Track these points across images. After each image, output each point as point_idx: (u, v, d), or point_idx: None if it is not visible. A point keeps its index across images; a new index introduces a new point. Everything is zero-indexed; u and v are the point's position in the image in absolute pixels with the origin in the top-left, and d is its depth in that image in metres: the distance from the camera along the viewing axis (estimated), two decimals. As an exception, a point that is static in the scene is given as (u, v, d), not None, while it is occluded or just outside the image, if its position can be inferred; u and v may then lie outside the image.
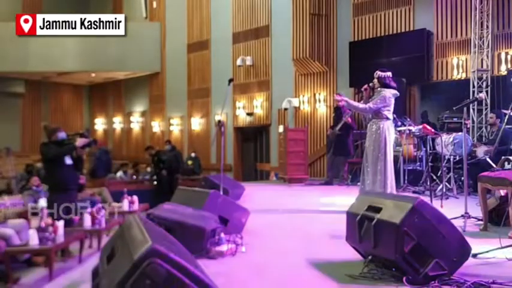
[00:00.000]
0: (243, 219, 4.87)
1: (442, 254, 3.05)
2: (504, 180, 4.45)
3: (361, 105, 6.25)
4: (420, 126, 7.85)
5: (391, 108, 6.08)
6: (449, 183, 8.32)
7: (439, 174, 8.68)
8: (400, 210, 3.07)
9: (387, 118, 6.01)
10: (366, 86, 6.37)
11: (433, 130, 7.35)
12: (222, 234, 4.02)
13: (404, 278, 3.00)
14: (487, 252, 3.75)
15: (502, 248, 3.68)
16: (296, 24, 13.57)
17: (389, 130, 6.00)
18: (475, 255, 3.74)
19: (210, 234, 3.87)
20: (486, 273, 3.18)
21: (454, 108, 5.51)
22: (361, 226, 3.37)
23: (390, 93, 6.03)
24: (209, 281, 1.72)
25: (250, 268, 3.51)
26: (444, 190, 7.91)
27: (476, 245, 3.85)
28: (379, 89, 6.08)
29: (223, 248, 3.92)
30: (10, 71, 18.14)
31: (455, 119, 10.16)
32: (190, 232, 3.71)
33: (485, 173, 4.87)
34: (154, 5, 18.67)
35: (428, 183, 8.63)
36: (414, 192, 8.66)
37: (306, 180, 11.40)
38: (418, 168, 9.44)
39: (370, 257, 3.36)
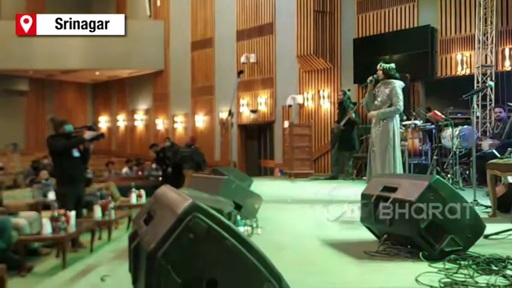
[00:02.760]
0: (256, 205, 4.96)
1: (457, 230, 3.13)
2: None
3: (391, 109, 6.16)
4: (430, 113, 7.90)
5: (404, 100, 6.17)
6: (456, 176, 8.40)
7: (444, 167, 8.76)
8: (415, 188, 3.15)
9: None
10: (370, 77, 6.46)
11: (442, 116, 7.41)
12: (238, 217, 4.12)
13: (420, 254, 3.08)
14: (497, 233, 3.83)
15: (514, 229, 3.76)
16: (300, 21, 13.66)
17: (396, 120, 6.09)
18: (486, 237, 3.83)
19: (227, 217, 3.95)
20: (499, 252, 3.25)
21: (464, 96, 5.59)
22: (377, 206, 3.46)
23: (400, 85, 6.13)
24: (247, 238, 1.81)
25: (268, 248, 3.57)
26: (450, 182, 8.00)
27: (486, 229, 3.95)
28: (386, 80, 6.16)
29: (240, 230, 4.01)
30: (14, 69, 18.22)
31: (459, 115, 10.23)
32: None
33: (494, 160, 4.96)
34: (158, 3, 18.77)
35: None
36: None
37: (311, 176, 11.48)
38: (424, 162, 9.50)
39: (385, 236, 3.45)
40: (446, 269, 2.82)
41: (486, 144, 8.19)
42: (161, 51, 18.61)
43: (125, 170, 14.34)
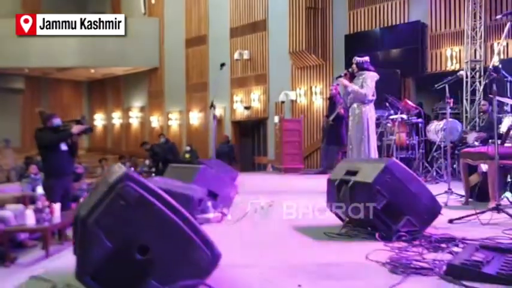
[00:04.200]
0: (232, 194, 5.04)
1: (413, 211, 3.20)
2: (483, 154, 4.59)
3: (361, 91, 6.25)
4: (402, 103, 7.98)
5: (373, 90, 6.24)
6: (441, 169, 8.48)
7: (428, 160, 8.86)
8: (373, 170, 3.23)
9: (370, 101, 6.17)
10: (345, 71, 6.55)
11: (413, 105, 7.52)
12: (209, 203, 4.19)
13: (377, 234, 3.15)
14: (460, 218, 3.91)
15: (476, 214, 3.83)
16: (292, 18, 13.73)
17: (371, 112, 6.16)
18: (451, 221, 3.91)
19: (197, 202, 4.02)
20: (459, 234, 3.32)
21: (436, 85, 5.68)
22: (340, 190, 3.53)
23: (372, 76, 6.20)
24: (179, 207, 1.88)
25: (234, 230, 3.69)
26: (435, 175, 8.11)
27: (455, 216, 4.03)
28: (360, 72, 6.25)
29: (210, 215, 4.09)
30: (10, 67, 18.31)
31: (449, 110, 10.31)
32: (178, 200, 3.84)
33: (466, 149, 5.04)
34: (153, 1, 18.85)
35: (421, 169, 8.89)
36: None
37: (301, 170, 11.55)
38: (411, 156, 9.57)
39: (347, 219, 3.52)
40: (399, 247, 2.89)
41: (471, 138, 8.26)
42: (156, 48, 18.70)
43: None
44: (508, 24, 4.04)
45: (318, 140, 13.61)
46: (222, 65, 7.52)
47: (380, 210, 3.14)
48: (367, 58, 6.35)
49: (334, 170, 3.89)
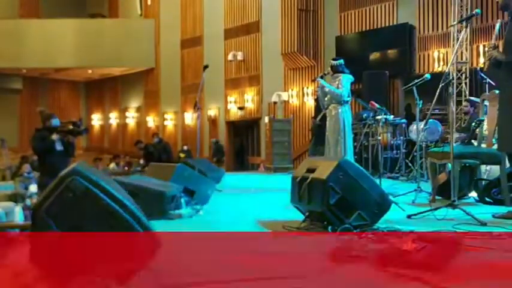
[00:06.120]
0: (209, 191, 5.26)
1: (365, 206, 3.42)
2: (447, 153, 4.80)
3: (337, 91, 6.48)
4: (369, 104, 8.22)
5: (349, 91, 6.46)
6: (422, 169, 8.67)
7: (409, 159, 9.08)
8: (328, 168, 3.45)
9: (346, 102, 6.39)
10: (321, 74, 6.78)
11: (377, 105, 7.80)
12: (182, 200, 4.41)
13: (329, 227, 3.38)
14: (417, 214, 4.13)
15: (431, 210, 4.04)
16: (284, 20, 13.96)
17: (347, 113, 6.38)
18: (409, 216, 4.13)
19: (170, 198, 4.25)
20: (412, 228, 3.53)
21: (403, 88, 5.90)
22: (301, 186, 3.75)
23: (348, 78, 6.43)
24: (125, 200, 2.10)
25: (202, 224, 3.91)
26: (415, 174, 8.31)
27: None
28: (335, 75, 6.48)
29: (182, 211, 4.32)
30: (8, 67, 18.54)
31: (436, 110, 10.53)
32: (151, 196, 4.11)
33: (432, 149, 5.26)
34: (149, 2, 19.08)
35: (404, 169, 9.12)
36: (389, 178, 9.03)
37: (290, 170, 11.74)
38: (395, 156, 9.78)
39: (307, 213, 3.74)
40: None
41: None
42: (152, 49, 18.93)
43: (112, 165, 14.68)
44: (463, 31, 4.23)
45: (309, 140, 13.82)
46: (205, 67, 7.77)
47: (333, 205, 3.36)
48: (342, 61, 6.58)
49: (298, 168, 4.11)
